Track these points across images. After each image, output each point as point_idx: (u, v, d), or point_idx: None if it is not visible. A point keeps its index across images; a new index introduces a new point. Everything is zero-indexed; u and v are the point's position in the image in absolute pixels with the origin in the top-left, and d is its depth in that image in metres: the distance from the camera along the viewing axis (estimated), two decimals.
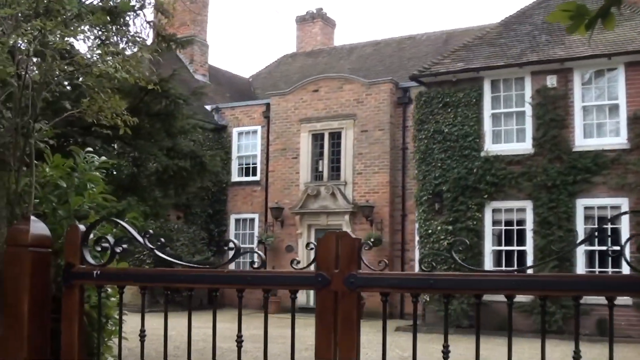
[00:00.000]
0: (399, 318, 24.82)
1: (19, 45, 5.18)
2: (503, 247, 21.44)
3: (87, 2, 7.18)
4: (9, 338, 4.74)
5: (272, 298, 23.71)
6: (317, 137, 29.20)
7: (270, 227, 29.81)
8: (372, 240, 26.03)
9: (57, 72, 5.37)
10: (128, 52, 8.07)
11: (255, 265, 4.46)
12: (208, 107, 33.01)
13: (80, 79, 5.26)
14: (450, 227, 21.87)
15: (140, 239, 4.70)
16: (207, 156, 11.88)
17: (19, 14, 5.25)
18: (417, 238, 23.67)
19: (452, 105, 22.39)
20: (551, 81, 21.18)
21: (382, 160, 27.54)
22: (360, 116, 28.11)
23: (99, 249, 4.95)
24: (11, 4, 5.12)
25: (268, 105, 30.90)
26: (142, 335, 4.75)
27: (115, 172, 11.98)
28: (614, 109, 20.58)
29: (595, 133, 20.78)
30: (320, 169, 29.04)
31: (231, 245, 4.57)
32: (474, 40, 23.79)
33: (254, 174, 31.64)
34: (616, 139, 20.46)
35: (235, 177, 32.10)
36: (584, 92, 21.00)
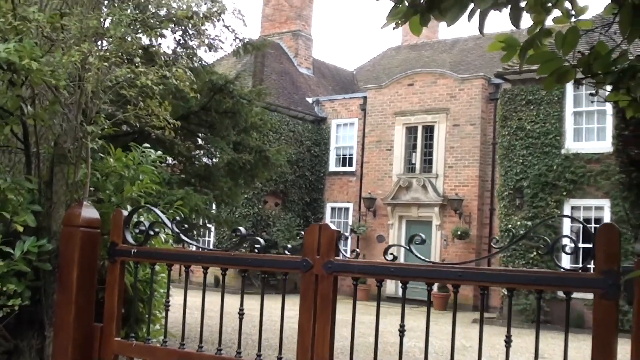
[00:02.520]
0: (472, 310, 25.06)
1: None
2: (581, 245, 21.65)
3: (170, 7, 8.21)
4: (61, 302, 5.73)
5: (361, 286, 24.60)
6: (411, 130, 29.89)
7: (364, 216, 30.68)
8: (459, 232, 26.51)
9: (111, 82, 6.38)
10: (206, 56, 9.09)
11: (257, 250, 5.33)
12: (309, 100, 34.12)
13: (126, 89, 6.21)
14: (529, 223, 22.24)
15: (169, 224, 5.65)
16: (272, 150, 12.86)
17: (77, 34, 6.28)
18: (499, 232, 24.09)
19: (535, 103, 22.75)
20: None
21: (472, 154, 28.03)
22: (453, 110, 28.63)
23: (138, 231, 5.96)
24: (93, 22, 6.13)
25: (365, 98, 31.75)
26: (167, 306, 5.69)
27: (196, 163, 13.17)
28: None
29: None
30: (412, 162, 29.73)
31: (238, 232, 5.48)
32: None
33: (350, 164, 32.58)
34: None
35: (332, 167, 33.11)
36: None
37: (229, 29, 11.78)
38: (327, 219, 32.68)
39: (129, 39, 6.62)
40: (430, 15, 4.24)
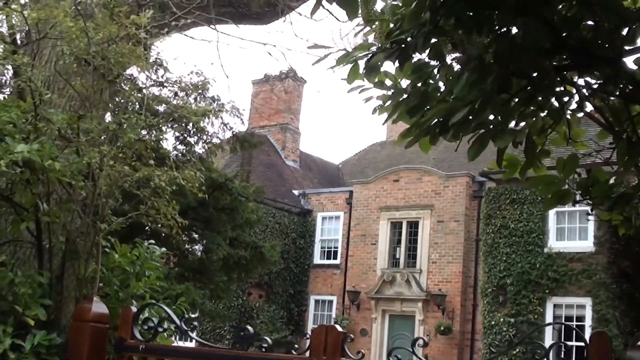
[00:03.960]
0: None
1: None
2: (563, 342, 21.85)
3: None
4: None
5: None
6: (396, 225, 30.25)
7: (347, 310, 30.73)
8: (442, 328, 26.63)
9: (124, 181, 6.68)
10: (207, 155, 9.42)
11: (264, 350, 5.54)
12: (296, 192, 34.54)
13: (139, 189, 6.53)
14: (512, 320, 22.51)
15: (178, 322, 5.86)
16: (267, 247, 13.16)
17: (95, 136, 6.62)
18: (482, 329, 24.30)
19: (519, 202, 23.29)
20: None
21: (456, 250, 28.34)
22: (437, 207, 29.07)
23: (146, 327, 6.16)
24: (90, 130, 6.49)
25: (351, 192, 32.18)
26: None
27: (189, 257, 13.39)
28: None
29: None
30: (397, 256, 29.99)
31: (247, 331, 5.70)
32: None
33: (335, 257, 32.77)
34: None
35: (317, 260, 33.28)
36: None
37: (227, 127, 12.19)
38: (311, 312, 32.68)
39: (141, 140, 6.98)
40: (439, 137, 4.61)
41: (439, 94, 4.25)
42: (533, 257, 22.77)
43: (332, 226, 33.30)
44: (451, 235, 28.51)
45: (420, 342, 4.91)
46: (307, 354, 5.15)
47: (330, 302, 32.38)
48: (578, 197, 4.43)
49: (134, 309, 6.07)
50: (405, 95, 4.44)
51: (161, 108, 8.72)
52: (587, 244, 22.20)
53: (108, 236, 6.76)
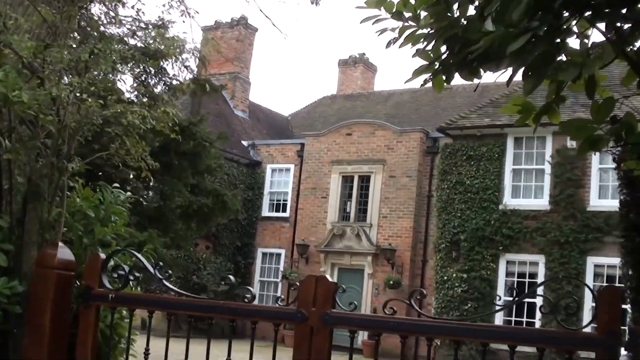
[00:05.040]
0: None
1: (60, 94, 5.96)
2: (514, 298, 21.93)
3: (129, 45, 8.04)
4: (30, 347, 5.43)
5: (289, 332, 24.37)
6: (347, 179, 30.01)
7: (296, 263, 30.52)
8: (391, 282, 26.66)
9: (94, 118, 6.17)
10: (164, 96, 8.94)
11: (247, 300, 5.17)
12: (245, 143, 33.96)
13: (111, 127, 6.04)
14: (465, 275, 22.55)
15: (152, 270, 5.44)
16: (229, 195, 12.69)
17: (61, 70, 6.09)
18: (434, 284, 24.32)
19: (475, 159, 23.19)
20: (571, 142, 21.85)
21: (407, 206, 28.26)
22: (390, 162, 28.88)
23: (116, 275, 5.72)
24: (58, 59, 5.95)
25: (302, 144, 31.78)
26: (147, 353, 5.44)
27: (144, 203, 12.85)
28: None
29: (610, 194, 21.44)
30: (347, 210, 29.81)
31: (229, 280, 5.33)
32: (501, 98, 24.53)
33: (284, 210, 32.45)
34: None
35: (265, 212, 32.92)
36: (602, 155, 21.64)
37: (188, 69, 11.65)
38: (258, 264, 32.41)
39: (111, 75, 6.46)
40: (455, 74, 4.23)
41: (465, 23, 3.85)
42: (488, 214, 22.75)
43: (281, 178, 32.91)
44: (403, 191, 28.39)
45: (375, 291, 4.65)
46: (295, 305, 4.86)
47: (278, 255, 32.10)
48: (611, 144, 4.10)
49: (103, 256, 5.66)
50: (428, 29, 4.05)
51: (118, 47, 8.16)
52: (542, 202, 22.25)
53: (75, 177, 6.27)
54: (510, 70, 3.91)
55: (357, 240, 28.86)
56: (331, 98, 42.08)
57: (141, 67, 10.93)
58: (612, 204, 21.16)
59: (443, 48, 4.08)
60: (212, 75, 34.94)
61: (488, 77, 4.17)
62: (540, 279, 21.69)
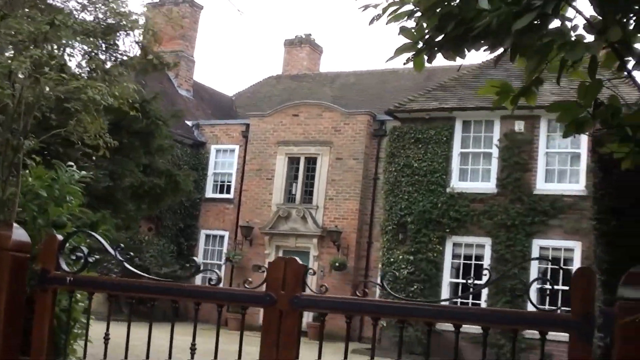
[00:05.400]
0: (357, 341, 25.38)
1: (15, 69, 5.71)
2: (460, 280, 22.19)
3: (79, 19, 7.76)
4: None
5: (235, 315, 24.24)
6: (293, 161, 29.85)
7: (239, 245, 30.29)
8: (337, 264, 26.69)
9: (50, 94, 5.93)
10: (115, 71, 8.65)
11: (213, 282, 5.02)
12: (189, 123, 33.50)
13: (70, 103, 5.79)
14: (411, 257, 22.66)
15: (112, 251, 5.25)
16: (182, 175, 12.44)
17: (19, 41, 5.83)
18: (380, 265, 24.42)
19: (423, 142, 23.27)
20: (519, 126, 22.12)
21: (353, 188, 28.24)
22: (337, 144, 28.81)
23: (74, 257, 5.50)
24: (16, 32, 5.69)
25: (247, 125, 31.47)
26: (107, 338, 5.27)
27: (92, 183, 12.50)
28: (575, 157, 21.61)
29: (556, 178, 21.80)
30: (293, 192, 29.67)
31: (193, 262, 5.18)
32: (449, 81, 24.63)
33: (228, 191, 32.13)
34: (575, 185, 21.49)
35: (209, 194, 32.56)
36: (549, 139, 21.96)
37: (139, 45, 11.31)
38: (201, 247, 32.09)
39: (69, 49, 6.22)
40: (437, 54, 4.14)
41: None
42: (435, 197, 22.86)
43: (226, 159, 32.56)
44: (349, 173, 28.37)
45: (320, 273, 4.61)
46: (263, 288, 4.78)
47: (222, 237, 31.82)
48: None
49: (60, 237, 5.45)
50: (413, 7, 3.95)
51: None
52: (489, 186, 22.44)
53: (32, 155, 6.02)
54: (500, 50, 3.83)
55: (302, 223, 28.75)
56: (276, 78, 41.77)
57: (92, 42, 10.62)
58: (558, 187, 21.52)
59: (427, 27, 3.99)
60: (155, 54, 34.40)
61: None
62: (487, 261, 21.92)
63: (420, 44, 4.14)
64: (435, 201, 22.77)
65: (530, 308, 4.66)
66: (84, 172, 7.18)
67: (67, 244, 5.57)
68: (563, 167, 21.89)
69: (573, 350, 3.90)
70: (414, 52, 4.14)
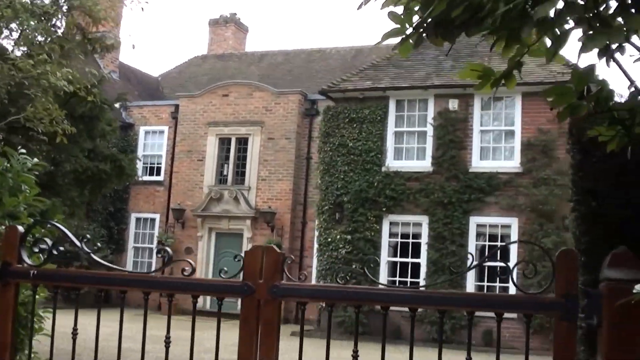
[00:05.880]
0: (293, 323, 25.46)
1: None
2: (398, 259, 22.34)
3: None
4: None
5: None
6: (224, 142, 29.59)
7: (171, 228, 29.94)
8: (272, 245, 26.60)
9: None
10: (53, 54, 8.36)
11: (186, 273, 4.86)
12: (116, 105, 32.82)
13: (26, 89, 5.56)
14: (349, 237, 22.70)
15: (78, 243, 5.05)
16: (126, 160, 12.16)
17: None
18: (315, 245, 24.43)
19: (358, 121, 23.28)
20: (453, 105, 22.31)
21: (286, 168, 28.19)
22: (268, 124, 28.66)
23: (37, 250, 5.29)
24: None
25: (177, 106, 31.04)
26: (75, 333, 5.06)
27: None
28: (510, 134, 21.92)
29: (491, 156, 22.10)
30: (225, 173, 29.42)
31: (163, 252, 5.00)
32: (382, 61, 24.67)
33: (158, 173, 31.69)
34: (510, 162, 21.79)
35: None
36: (483, 117, 22.23)
37: (77, 27, 11.01)
38: (132, 230, 31.60)
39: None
40: (423, 38, 4.09)
41: None
42: (371, 176, 22.90)
43: (155, 141, 32.07)
44: (282, 153, 28.28)
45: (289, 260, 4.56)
46: (240, 277, 4.61)
47: (153, 220, 31.38)
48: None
49: (21, 229, 5.22)
50: None
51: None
52: (425, 164, 22.57)
53: None
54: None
55: (235, 204, 28.57)
56: (202, 58, 41.26)
57: (47, 25, 10.27)
58: (493, 165, 21.83)
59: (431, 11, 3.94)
60: (94, 36, 33.60)
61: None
62: (424, 239, 22.11)
63: (410, 29, 4.09)
64: (371, 180, 22.83)
65: (468, 288, 4.65)
66: (35, 160, 6.94)
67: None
68: (498, 144, 22.18)
69: (558, 331, 3.90)
70: (403, 37, 4.09)
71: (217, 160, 29.52)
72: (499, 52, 3.93)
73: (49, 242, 5.25)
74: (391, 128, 23.10)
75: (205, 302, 26.41)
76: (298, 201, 28.27)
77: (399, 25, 4.09)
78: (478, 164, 21.95)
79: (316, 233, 24.54)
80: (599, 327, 3.89)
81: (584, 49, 3.27)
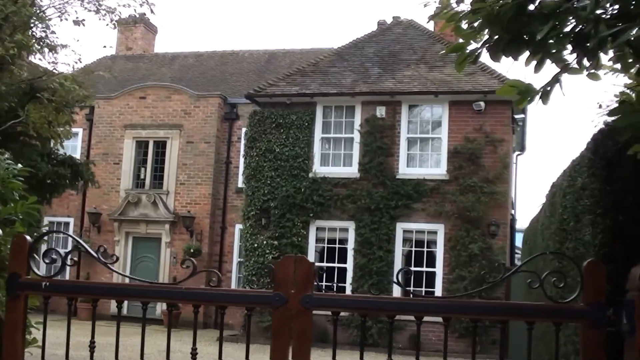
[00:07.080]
0: (213, 328, 25.32)
1: None
2: (325, 264, 22.46)
3: None
4: None
5: (84, 305, 23.39)
6: (142, 145, 29.16)
7: (87, 232, 29.27)
8: (192, 250, 26.35)
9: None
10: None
11: (214, 284, 4.81)
12: None
13: None
14: (275, 242, 22.71)
15: (94, 253, 4.92)
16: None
17: None
18: (235, 250, 24.34)
19: (285, 127, 23.30)
20: (380, 112, 22.58)
21: (205, 172, 28.00)
22: (187, 127, 28.41)
23: (48, 261, 5.12)
24: None
25: (92, 107, 30.29)
26: (92, 346, 4.95)
27: None
28: (437, 142, 22.34)
29: (418, 163, 22.50)
30: (142, 177, 28.98)
31: (188, 263, 4.93)
32: (308, 66, 24.75)
33: None
34: (436, 169, 22.23)
35: None
36: (410, 124, 22.59)
37: None
38: None
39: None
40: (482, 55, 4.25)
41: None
42: (298, 182, 22.95)
43: (69, 143, 31.05)
44: (201, 157, 28.09)
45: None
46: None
47: (67, 224, 30.56)
48: None
49: (29, 238, 5.07)
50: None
51: None
52: (352, 170, 22.77)
53: None
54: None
55: (153, 208, 28.19)
56: (111, 59, 40.20)
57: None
58: (420, 172, 22.24)
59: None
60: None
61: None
62: (351, 244, 22.30)
63: (473, 45, 4.22)
64: (298, 186, 22.90)
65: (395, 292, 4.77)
66: (19, 165, 6.77)
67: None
68: (425, 151, 22.58)
69: (586, 339, 4.02)
70: (469, 51, 4.22)
71: (134, 164, 29.07)
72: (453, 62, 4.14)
73: (62, 252, 5.10)
74: (318, 134, 23.22)
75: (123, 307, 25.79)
76: (217, 206, 28.10)
77: (461, 40, 4.21)
78: (405, 170, 22.30)
79: (235, 238, 24.45)
80: (629, 335, 4.04)
81: None
